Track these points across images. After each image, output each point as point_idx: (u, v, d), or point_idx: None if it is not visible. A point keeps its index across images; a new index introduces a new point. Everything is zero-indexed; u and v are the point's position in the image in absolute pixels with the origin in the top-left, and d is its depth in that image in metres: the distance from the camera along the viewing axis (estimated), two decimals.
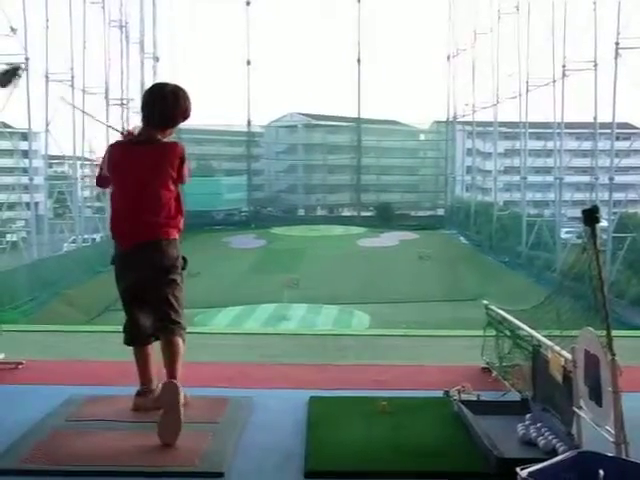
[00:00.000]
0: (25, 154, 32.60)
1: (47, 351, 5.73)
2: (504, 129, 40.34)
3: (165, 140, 3.96)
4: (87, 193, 36.89)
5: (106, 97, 34.40)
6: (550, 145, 34.41)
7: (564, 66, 30.71)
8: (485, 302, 5.14)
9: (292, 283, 27.14)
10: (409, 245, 38.25)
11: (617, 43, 26.85)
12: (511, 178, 40.66)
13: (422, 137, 57.28)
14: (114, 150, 4.02)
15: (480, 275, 29.92)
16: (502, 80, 37.04)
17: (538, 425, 3.58)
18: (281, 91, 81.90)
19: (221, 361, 5.47)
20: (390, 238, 40.36)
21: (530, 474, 2.54)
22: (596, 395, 3.10)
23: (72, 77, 31.24)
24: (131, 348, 4.02)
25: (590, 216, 3.18)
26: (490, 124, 40.47)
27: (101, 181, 4.12)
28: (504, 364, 4.59)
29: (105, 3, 34.10)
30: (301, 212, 52.65)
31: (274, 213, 50.00)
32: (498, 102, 38.00)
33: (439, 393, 4.34)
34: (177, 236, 3.93)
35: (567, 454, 2.79)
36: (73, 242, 33.56)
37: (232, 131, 47.97)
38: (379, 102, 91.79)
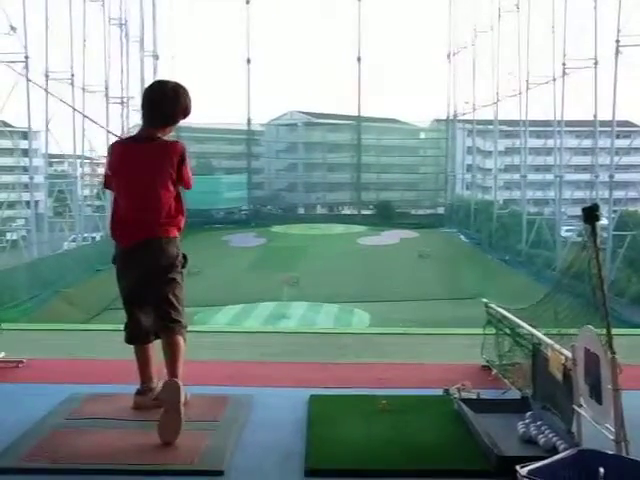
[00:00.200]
0: (25, 153, 32.64)
1: (47, 350, 5.72)
2: (504, 127, 40.36)
3: (165, 139, 3.95)
4: (87, 192, 36.93)
5: (106, 95, 34.42)
6: (550, 143, 34.43)
7: (564, 64, 30.73)
8: (485, 300, 5.14)
9: (292, 281, 27.16)
10: (409, 243, 38.27)
11: (617, 41, 26.87)
12: (511, 176, 40.69)
13: (422, 135, 57.30)
14: (115, 149, 4.02)
15: (480, 273, 29.93)
16: (502, 78, 37.14)
17: (538, 423, 3.57)
18: (281, 89, 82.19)
19: (221, 359, 5.46)
20: (390, 236, 40.39)
21: (530, 472, 2.54)
22: (596, 393, 3.10)
23: (72, 75, 31.25)
24: (131, 346, 4.01)
25: (590, 214, 3.18)
26: (490, 122, 40.48)
27: (107, 182, 4.07)
28: (504, 362, 4.59)
29: (105, 1, 34.17)
30: (301, 210, 52.69)
31: (274, 211, 50.05)
32: (498, 100, 38.04)
33: (439, 391, 4.33)
34: (177, 235, 3.92)
35: (567, 452, 2.79)
36: (73, 241, 33.60)
37: (232, 129, 47.99)
38: (379, 100, 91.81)
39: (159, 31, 40.71)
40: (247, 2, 43.25)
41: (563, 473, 2.61)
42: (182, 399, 3.52)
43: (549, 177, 35.02)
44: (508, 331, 4.54)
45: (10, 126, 36.07)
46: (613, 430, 3.00)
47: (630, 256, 27.74)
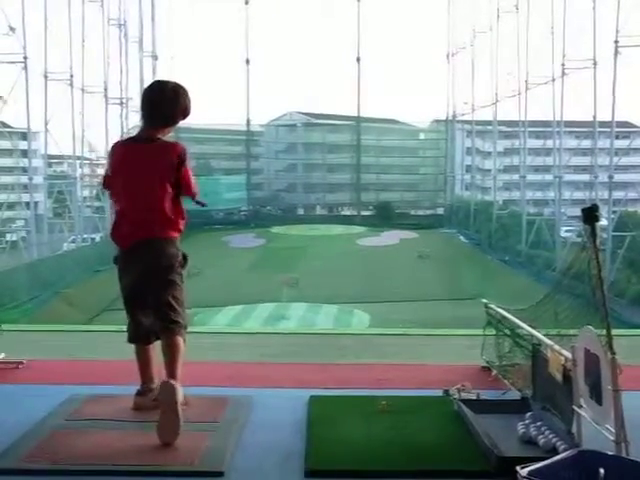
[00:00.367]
0: (24, 153, 32.62)
1: (47, 350, 5.72)
2: (503, 128, 40.36)
3: (165, 139, 3.95)
4: (86, 192, 36.91)
5: (105, 96, 34.41)
6: (549, 144, 34.44)
7: (563, 64, 30.73)
8: (485, 301, 5.14)
9: (292, 282, 27.14)
10: (409, 244, 38.27)
11: (616, 41, 26.88)
12: (511, 177, 40.71)
13: (422, 136, 57.31)
14: (116, 150, 4.03)
15: (480, 274, 29.92)
16: (501, 79, 37.16)
17: (538, 424, 3.57)
18: (280, 90, 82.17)
19: (221, 360, 5.46)
20: (390, 237, 40.38)
21: (530, 473, 2.54)
22: (596, 394, 3.10)
23: (71, 76, 31.24)
24: (131, 347, 4.02)
25: (590, 215, 3.18)
26: (489, 123, 40.51)
27: (106, 183, 4.09)
28: (504, 363, 4.59)
29: (104, 2, 34.19)
30: (301, 211, 52.68)
31: (273, 212, 50.03)
32: (497, 101, 38.06)
33: (439, 392, 4.33)
34: (176, 235, 3.92)
35: (567, 453, 2.79)
36: (72, 242, 33.59)
37: (231, 130, 47.97)
38: (379, 101, 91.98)
39: (158, 31, 40.75)
40: (246, 2, 43.25)
41: (563, 474, 2.61)
42: (179, 400, 3.51)
43: (548, 178, 35.03)
44: (508, 332, 4.54)
45: (9, 127, 36.05)
46: (613, 431, 3.00)
47: (630, 257, 27.76)
